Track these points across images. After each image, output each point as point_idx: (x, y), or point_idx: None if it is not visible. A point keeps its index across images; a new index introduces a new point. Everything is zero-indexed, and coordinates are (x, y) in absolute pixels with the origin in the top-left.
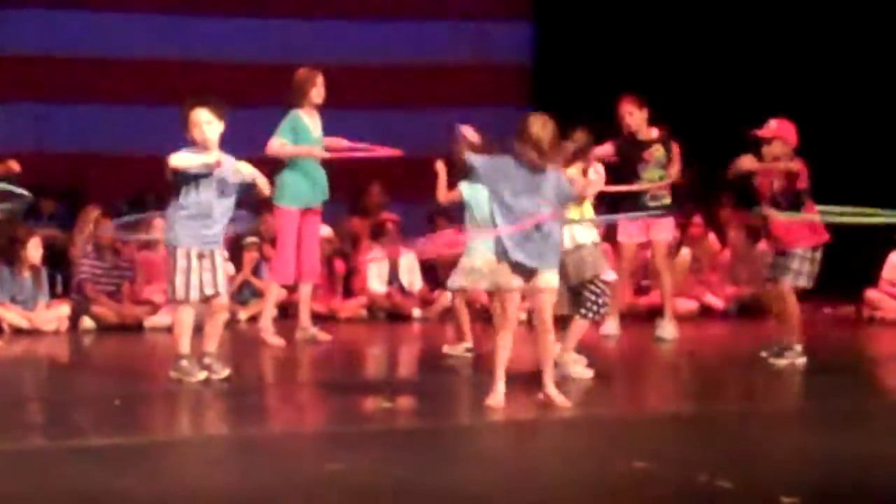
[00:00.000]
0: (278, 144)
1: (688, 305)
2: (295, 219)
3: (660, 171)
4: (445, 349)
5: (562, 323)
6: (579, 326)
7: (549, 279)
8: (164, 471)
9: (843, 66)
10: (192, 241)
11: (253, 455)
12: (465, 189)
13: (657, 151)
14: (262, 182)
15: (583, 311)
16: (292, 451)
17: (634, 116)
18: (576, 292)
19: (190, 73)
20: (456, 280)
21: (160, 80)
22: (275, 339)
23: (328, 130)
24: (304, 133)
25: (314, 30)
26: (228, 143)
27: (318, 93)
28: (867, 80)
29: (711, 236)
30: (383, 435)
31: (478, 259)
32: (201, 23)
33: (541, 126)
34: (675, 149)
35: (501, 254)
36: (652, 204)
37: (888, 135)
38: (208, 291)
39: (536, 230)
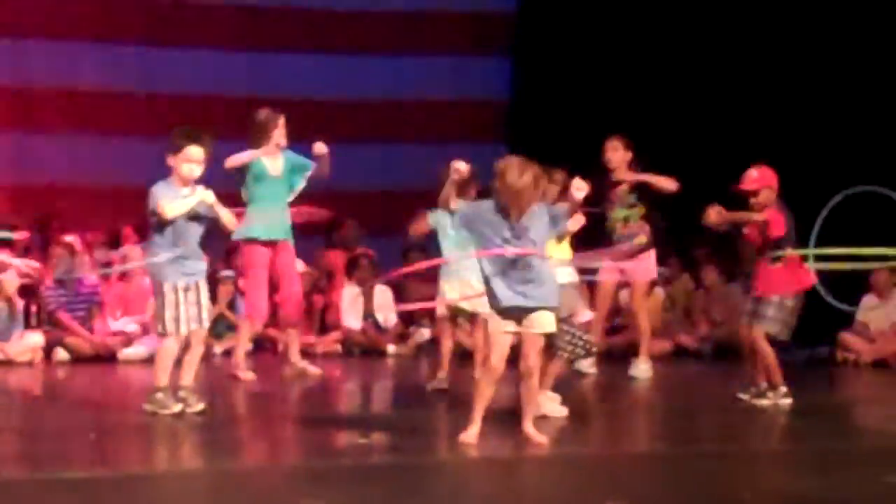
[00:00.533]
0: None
1: (662, 345)
2: (260, 252)
3: (625, 212)
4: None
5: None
6: (556, 366)
7: (545, 320)
8: None
9: (821, 107)
10: (178, 275)
11: (228, 490)
12: (431, 217)
13: (623, 191)
14: (228, 218)
15: (559, 351)
16: (268, 486)
17: (618, 153)
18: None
19: (166, 106)
20: (442, 303)
21: (136, 113)
22: (246, 375)
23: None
24: (260, 173)
25: (290, 64)
26: (205, 178)
27: (280, 134)
28: (849, 126)
29: (686, 276)
30: (358, 470)
31: (452, 290)
32: (177, 55)
33: (517, 173)
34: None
35: (493, 299)
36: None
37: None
38: (193, 326)
39: (527, 272)
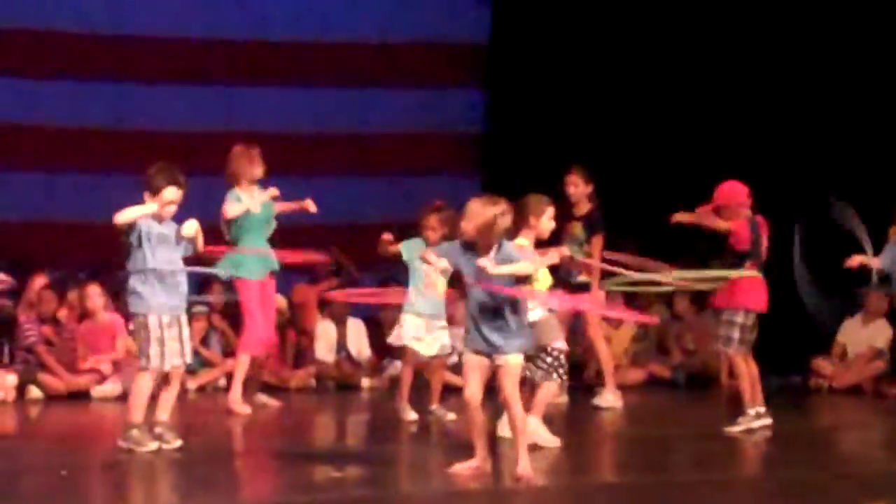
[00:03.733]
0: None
1: (635, 374)
2: (256, 289)
3: (574, 248)
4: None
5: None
6: (546, 392)
7: (507, 361)
8: None
9: (793, 123)
10: (162, 308)
11: None
12: (404, 250)
13: (576, 227)
14: (201, 238)
15: (540, 374)
16: None
17: (578, 188)
18: (530, 358)
19: (138, 141)
20: (394, 338)
21: (104, 149)
22: (243, 409)
23: (279, 198)
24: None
25: (262, 98)
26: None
27: (257, 169)
28: (820, 147)
29: (659, 305)
30: None
31: (408, 330)
32: (147, 90)
33: (479, 211)
34: (596, 242)
35: (466, 339)
36: (571, 281)
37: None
38: (175, 362)
39: (497, 317)
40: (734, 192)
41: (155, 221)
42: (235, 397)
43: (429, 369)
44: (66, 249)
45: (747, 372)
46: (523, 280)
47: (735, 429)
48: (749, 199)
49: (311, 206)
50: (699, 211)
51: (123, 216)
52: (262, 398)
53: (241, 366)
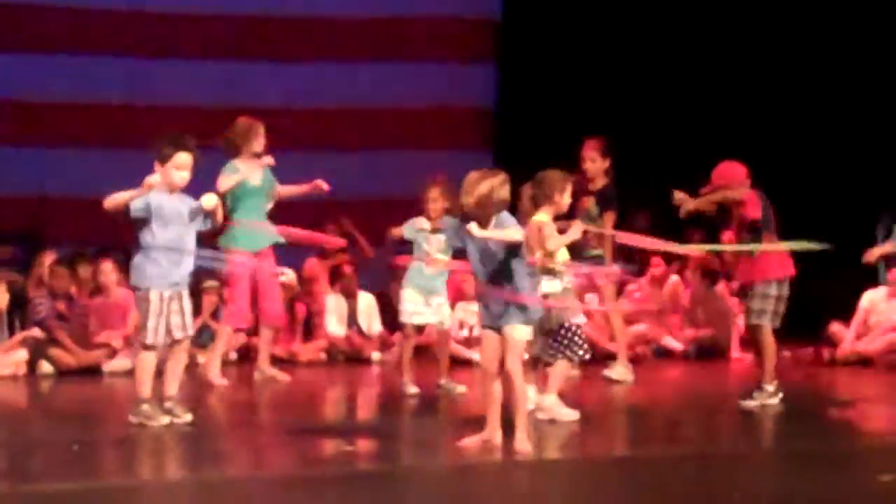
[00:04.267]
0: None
1: (643, 347)
2: (247, 262)
3: (587, 223)
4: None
5: (534, 364)
6: (560, 369)
7: (512, 333)
8: None
9: (805, 106)
10: (163, 283)
11: (214, 499)
12: (407, 231)
13: (589, 202)
14: (220, 211)
15: (559, 354)
16: (254, 495)
17: (596, 164)
18: (547, 336)
19: (147, 117)
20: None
21: (116, 124)
22: (218, 380)
23: (290, 173)
24: (241, 184)
25: (276, 73)
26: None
27: (259, 143)
28: (828, 121)
29: (675, 278)
30: (344, 478)
31: (408, 305)
32: (158, 66)
33: (474, 185)
34: (608, 218)
35: (479, 315)
36: (585, 254)
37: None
38: (178, 335)
39: (496, 289)
40: (732, 172)
41: (165, 196)
42: (212, 368)
43: (436, 343)
44: (76, 225)
45: (772, 346)
46: (517, 249)
47: (751, 403)
48: (748, 178)
49: (322, 185)
50: (702, 192)
51: (110, 202)
52: (272, 372)
53: (220, 338)
